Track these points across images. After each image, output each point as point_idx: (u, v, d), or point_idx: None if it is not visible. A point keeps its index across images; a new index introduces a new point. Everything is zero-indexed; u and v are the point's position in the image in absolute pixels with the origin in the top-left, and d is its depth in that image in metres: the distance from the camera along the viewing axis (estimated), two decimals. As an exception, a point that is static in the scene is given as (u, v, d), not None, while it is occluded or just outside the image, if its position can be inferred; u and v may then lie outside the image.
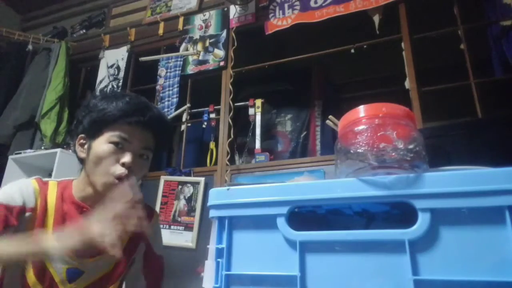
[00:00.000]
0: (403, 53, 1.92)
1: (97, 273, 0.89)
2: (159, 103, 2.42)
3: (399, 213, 0.61)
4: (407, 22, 1.96)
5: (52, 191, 0.90)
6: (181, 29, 2.56)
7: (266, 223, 0.57)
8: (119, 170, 0.83)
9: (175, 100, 2.37)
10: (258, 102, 2.21)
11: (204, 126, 2.31)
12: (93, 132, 0.88)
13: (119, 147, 0.85)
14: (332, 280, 0.51)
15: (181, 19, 2.58)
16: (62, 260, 0.84)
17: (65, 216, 0.88)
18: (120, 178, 0.83)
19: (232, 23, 2.40)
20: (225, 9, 2.47)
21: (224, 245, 0.59)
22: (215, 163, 2.15)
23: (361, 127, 0.56)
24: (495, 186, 0.46)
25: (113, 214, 0.70)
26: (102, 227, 0.69)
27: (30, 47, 2.77)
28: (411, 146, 0.52)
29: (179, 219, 2.04)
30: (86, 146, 0.89)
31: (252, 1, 2.34)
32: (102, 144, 0.85)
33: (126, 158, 0.84)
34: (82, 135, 0.91)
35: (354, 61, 2.31)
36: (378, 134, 0.53)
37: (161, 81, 2.46)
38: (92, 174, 0.86)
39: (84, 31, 3.06)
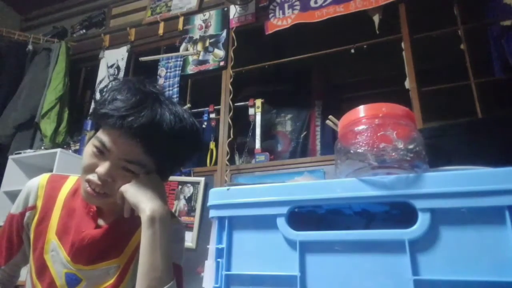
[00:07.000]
0: (403, 53, 1.93)
1: (98, 284, 0.82)
2: (159, 103, 2.42)
3: (399, 213, 0.61)
4: (407, 22, 1.96)
5: (68, 185, 0.85)
6: (181, 29, 2.56)
7: (266, 223, 0.57)
8: (91, 177, 0.73)
9: (175, 100, 2.37)
10: (258, 102, 2.21)
11: (204, 126, 2.31)
12: (95, 128, 0.79)
13: (100, 153, 0.73)
14: (332, 280, 0.51)
15: (181, 19, 2.58)
16: (61, 262, 0.81)
17: (73, 213, 0.82)
18: (92, 187, 0.73)
19: (232, 23, 2.40)
20: (225, 9, 2.47)
21: (224, 245, 0.58)
22: (215, 163, 2.15)
23: (361, 127, 0.56)
24: (495, 186, 0.46)
25: None
26: None
27: (30, 47, 2.77)
28: (411, 146, 0.52)
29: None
30: None
31: (252, 1, 2.34)
32: (88, 145, 0.75)
33: (100, 168, 0.71)
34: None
35: (354, 61, 2.31)
36: (378, 134, 0.53)
37: (161, 81, 2.46)
38: None
39: (84, 31, 3.06)
